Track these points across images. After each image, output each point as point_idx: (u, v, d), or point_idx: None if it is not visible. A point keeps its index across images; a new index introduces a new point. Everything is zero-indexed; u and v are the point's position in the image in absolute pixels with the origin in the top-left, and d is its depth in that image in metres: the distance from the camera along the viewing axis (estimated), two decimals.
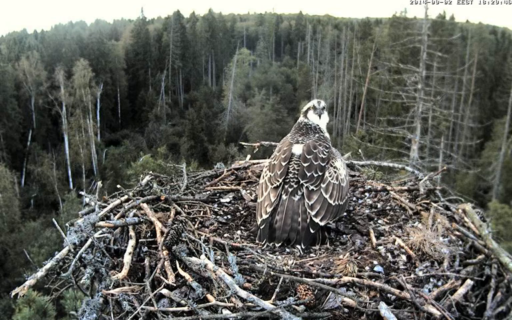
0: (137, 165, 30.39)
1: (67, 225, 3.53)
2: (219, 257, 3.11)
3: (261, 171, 4.50)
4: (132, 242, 3.29)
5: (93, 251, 3.22)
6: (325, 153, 3.76)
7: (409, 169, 5.34)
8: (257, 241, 3.58)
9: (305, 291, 2.61)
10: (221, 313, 2.54)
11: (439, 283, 2.88)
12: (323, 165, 3.69)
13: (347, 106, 58.61)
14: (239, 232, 3.83)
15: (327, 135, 4.05)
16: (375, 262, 3.09)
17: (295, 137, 3.94)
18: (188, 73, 73.68)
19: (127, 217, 3.58)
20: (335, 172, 3.72)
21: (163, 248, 3.07)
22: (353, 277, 2.83)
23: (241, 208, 4.26)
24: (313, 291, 2.63)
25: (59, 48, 64.02)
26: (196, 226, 3.71)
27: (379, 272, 2.97)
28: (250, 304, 2.54)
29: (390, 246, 3.34)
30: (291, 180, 3.65)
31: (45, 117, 55.16)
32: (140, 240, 3.35)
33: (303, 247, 3.41)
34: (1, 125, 48.40)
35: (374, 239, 3.47)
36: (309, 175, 3.62)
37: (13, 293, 2.84)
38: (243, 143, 6.89)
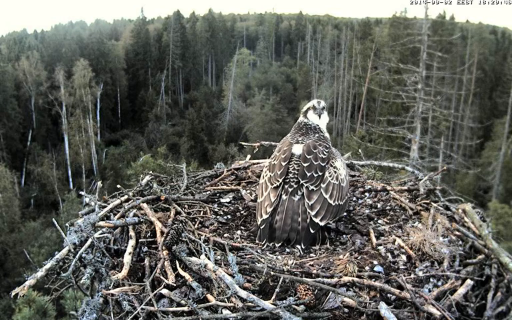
0: (137, 164, 30.39)
1: (67, 225, 3.53)
2: (219, 257, 3.11)
3: (261, 171, 4.50)
4: (132, 242, 3.29)
5: (93, 251, 3.22)
6: (324, 153, 3.76)
7: (408, 169, 5.34)
8: (257, 241, 3.57)
9: (304, 290, 2.61)
10: (221, 312, 2.54)
11: (439, 283, 2.88)
12: (323, 165, 3.69)
13: (347, 106, 58.61)
14: (238, 232, 3.83)
15: (327, 134, 4.05)
16: (375, 262, 3.09)
17: (295, 137, 3.94)
18: (188, 73, 73.69)
19: (127, 216, 3.58)
20: (335, 172, 3.72)
21: (163, 248, 3.07)
22: (353, 276, 2.82)
23: (240, 208, 4.26)
24: (312, 291, 2.63)
25: (59, 48, 64.04)
26: (196, 226, 3.71)
27: (379, 272, 2.97)
28: (250, 304, 2.54)
29: (390, 246, 3.34)
30: (291, 180, 3.65)
31: (45, 116, 55.18)
32: (140, 240, 3.35)
33: (303, 247, 3.41)
34: (1, 125, 48.41)
35: (374, 239, 3.47)
36: (308, 175, 3.62)
37: (13, 293, 2.84)
38: (243, 143, 6.89)
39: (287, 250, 3.45)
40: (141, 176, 4.52)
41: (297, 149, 3.79)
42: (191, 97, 68.08)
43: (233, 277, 2.73)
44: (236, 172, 5.03)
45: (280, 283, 2.65)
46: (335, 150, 4.00)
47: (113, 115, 64.02)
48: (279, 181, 3.66)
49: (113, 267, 3.17)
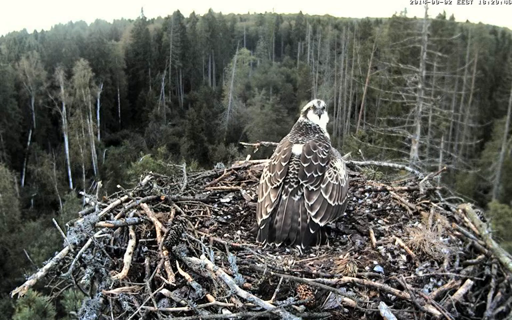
0: (137, 164, 30.39)
1: (67, 224, 3.53)
2: (219, 257, 3.11)
3: (261, 171, 4.51)
4: (132, 242, 3.29)
5: (93, 251, 3.22)
6: (324, 153, 3.76)
7: (408, 169, 5.34)
8: (256, 241, 3.58)
9: (304, 290, 2.61)
10: (221, 312, 2.54)
11: (439, 283, 2.88)
12: (322, 165, 3.69)
13: (347, 106, 58.61)
14: (238, 232, 3.83)
15: (326, 134, 4.05)
16: (375, 262, 3.09)
17: (295, 137, 3.94)
18: (188, 73, 73.69)
19: (127, 217, 3.59)
20: (335, 172, 3.72)
21: (163, 248, 3.07)
22: (353, 276, 2.83)
23: (240, 208, 4.26)
24: (313, 291, 2.63)
25: (59, 48, 64.04)
26: (196, 226, 3.71)
27: (379, 272, 2.97)
28: (250, 304, 2.54)
29: (390, 246, 3.34)
30: (291, 180, 3.65)
31: (45, 116, 55.18)
32: (140, 240, 3.35)
33: (303, 248, 3.41)
34: (1, 124, 48.41)
35: (374, 239, 3.47)
36: (308, 175, 3.62)
37: (13, 293, 2.84)
38: (243, 143, 6.88)
39: (287, 250, 3.45)
40: (141, 176, 4.52)
41: (297, 149, 3.79)
42: (191, 97, 68.09)
43: (233, 277, 2.73)
44: (236, 172, 5.03)
45: (280, 283, 2.65)
46: (334, 150, 4.00)
47: (113, 115, 64.03)
48: (279, 181, 3.67)
49: (113, 267, 3.17)
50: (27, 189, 46.64)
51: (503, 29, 75.11)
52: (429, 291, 2.80)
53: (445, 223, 3.53)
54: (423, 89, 28.51)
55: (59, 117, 53.92)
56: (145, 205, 3.73)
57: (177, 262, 3.00)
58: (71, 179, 49.62)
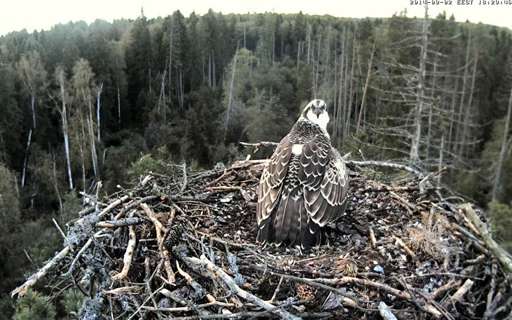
0: (137, 164, 30.38)
1: (67, 225, 3.54)
2: (219, 257, 3.11)
3: (261, 171, 4.51)
4: (132, 242, 3.29)
5: (93, 250, 3.23)
6: (324, 153, 3.76)
7: (408, 169, 5.34)
8: (256, 241, 3.58)
9: (304, 290, 2.61)
10: (221, 312, 2.55)
11: (439, 283, 2.88)
12: (322, 165, 3.69)
13: (347, 106, 58.61)
14: (238, 232, 3.83)
15: (326, 134, 4.04)
16: (375, 262, 3.09)
17: (295, 137, 3.94)
18: (188, 73, 73.68)
19: (127, 217, 3.59)
20: (335, 173, 3.72)
21: (163, 248, 3.07)
22: (353, 276, 2.83)
23: (240, 208, 4.26)
24: (313, 291, 2.63)
25: (59, 48, 64.03)
26: (196, 226, 3.71)
27: (379, 272, 2.97)
28: (250, 304, 2.54)
29: (390, 246, 3.34)
30: (291, 180, 3.65)
31: (45, 116, 55.17)
32: (140, 240, 3.35)
33: (303, 248, 3.41)
34: (1, 124, 48.40)
35: (374, 239, 3.47)
36: (308, 175, 3.62)
37: (13, 293, 2.84)
38: (243, 143, 6.88)
39: (287, 250, 3.45)
40: (141, 176, 4.52)
41: (297, 149, 3.79)
42: (191, 97, 68.08)
43: (233, 277, 2.73)
44: (236, 172, 5.03)
45: (280, 283, 2.65)
46: (334, 150, 4.00)
47: (113, 115, 64.02)
48: (279, 182, 3.67)
49: (113, 267, 3.17)
50: (26, 188, 46.64)
51: (503, 29, 75.19)
52: (429, 290, 2.80)
53: (445, 223, 3.53)
54: (422, 89, 28.51)
55: (58, 116, 53.91)
56: (144, 205, 3.73)
57: (177, 262, 3.00)
58: (70, 179, 49.62)
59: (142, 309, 2.67)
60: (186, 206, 4.08)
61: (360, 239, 3.57)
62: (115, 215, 3.69)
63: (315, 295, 2.62)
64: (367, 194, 4.52)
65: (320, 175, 3.65)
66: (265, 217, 3.58)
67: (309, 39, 77.53)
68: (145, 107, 63.29)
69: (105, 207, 3.77)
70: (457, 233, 3.43)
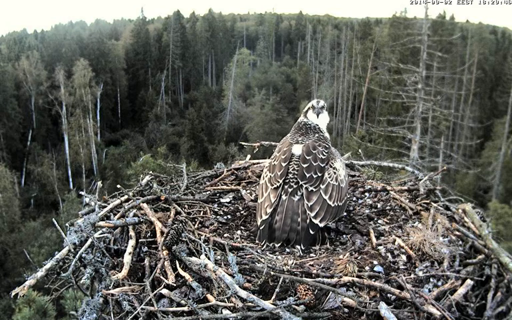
0: (137, 164, 30.37)
1: (67, 225, 3.54)
2: (219, 257, 3.11)
3: (261, 171, 4.51)
4: (132, 242, 3.29)
5: (93, 250, 3.23)
6: (324, 153, 3.76)
7: (408, 169, 5.34)
8: (256, 241, 3.58)
9: (305, 290, 2.61)
10: (221, 312, 2.55)
11: (439, 283, 2.88)
12: (322, 165, 3.69)
13: (347, 106, 58.60)
14: (238, 232, 3.83)
15: (326, 134, 4.04)
16: (375, 262, 3.09)
17: (295, 137, 3.94)
18: (188, 73, 73.68)
19: (127, 217, 3.59)
20: (335, 173, 3.72)
21: (163, 248, 3.07)
22: (353, 276, 2.83)
23: (240, 208, 4.26)
24: (313, 291, 2.63)
25: (59, 48, 64.02)
26: (196, 226, 3.71)
27: (379, 272, 2.97)
28: (250, 304, 2.54)
29: (390, 246, 3.34)
30: (291, 180, 3.65)
31: (45, 116, 55.17)
32: (140, 240, 3.35)
33: (303, 248, 3.41)
34: (1, 124, 48.40)
35: (374, 239, 3.47)
36: (308, 175, 3.62)
37: (13, 293, 2.84)
38: (243, 143, 6.88)
39: (287, 250, 3.45)
40: (141, 176, 4.52)
41: (297, 150, 3.79)
42: (191, 97, 68.08)
43: (233, 277, 2.73)
44: (236, 172, 5.03)
45: (280, 283, 2.65)
46: (334, 150, 4.00)
47: (113, 115, 64.02)
48: (279, 182, 3.67)
49: (113, 267, 3.17)
50: (26, 188, 46.63)
51: (503, 29, 75.18)
52: (429, 290, 2.80)
53: (445, 223, 3.53)
54: (422, 89, 28.51)
55: (58, 116, 53.91)
56: (144, 205, 3.73)
57: (177, 262, 3.00)
58: (70, 179, 49.62)
59: (142, 308, 2.67)
60: (186, 206, 4.08)
61: (360, 239, 3.57)
62: (115, 215, 3.69)
63: (314, 294, 2.62)
64: (367, 194, 4.52)
65: (320, 175, 3.65)
66: (264, 217, 3.58)
67: (309, 39, 77.52)
68: (144, 107, 63.29)
69: (105, 206, 3.77)
70: (457, 232, 3.43)
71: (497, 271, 3.02)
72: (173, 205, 3.88)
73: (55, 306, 14.59)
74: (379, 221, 3.92)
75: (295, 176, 3.65)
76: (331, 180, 3.66)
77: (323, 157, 3.73)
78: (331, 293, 2.64)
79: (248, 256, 3.22)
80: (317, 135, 3.92)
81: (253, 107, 57.16)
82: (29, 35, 73.09)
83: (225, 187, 4.69)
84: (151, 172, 4.60)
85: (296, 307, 2.52)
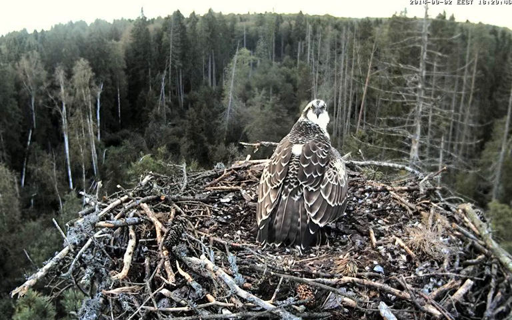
0: (137, 164, 30.37)
1: (67, 225, 3.54)
2: (219, 257, 3.11)
3: (261, 171, 4.51)
4: (132, 242, 3.29)
5: (93, 250, 3.23)
6: (324, 153, 3.76)
7: (409, 169, 5.34)
8: (256, 241, 3.58)
9: (304, 290, 2.61)
10: (221, 312, 2.55)
11: (439, 283, 2.88)
12: (322, 165, 3.69)
13: (347, 106, 58.60)
14: (238, 232, 3.83)
15: (326, 134, 4.04)
16: (375, 262, 3.09)
17: (295, 137, 3.94)
18: (188, 73, 73.68)
19: (127, 217, 3.59)
20: (334, 173, 3.72)
21: (163, 248, 3.07)
22: (353, 276, 2.83)
23: (240, 208, 4.26)
24: (313, 291, 2.63)
25: (59, 48, 64.02)
26: (196, 226, 3.71)
27: (379, 272, 2.97)
28: (250, 304, 2.54)
29: (390, 246, 3.34)
30: (291, 180, 3.65)
31: (45, 116, 55.17)
32: (140, 240, 3.35)
33: (303, 248, 3.41)
34: (1, 124, 48.39)
35: (374, 239, 3.47)
36: (308, 175, 3.62)
37: (13, 293, 2.84)
38: (243, 143, 6.88)
39: (287, 250, 3.45)
40: (141, 176, 4.52)
41: (297, 150, 3.79)
42: (191, 97, 68.08)
43: (233, 277, 2.73)
44: (236, 172, 5.03)
45: (280, 283, 2.65)
46: (334, 150, 4.00)
47: (113, 115, 64.02)
48: (279, 182, 3.67)
49: (113, 267, 3.17)
50: (27, 188, 46.63)
51: (503, 29, 75.18)
52: (429, 291, 2.80)
53: (445, 223, 3.53)
54: (422, 89, 28.51)
55: (58, 116, 53.91)
56: (144, 205, 3.73)
57: (177, 262, 3.00)
58: (70, 179, 49.62)
59: (142, 309, 2.67)
60: (186, 206, 4.08)
61: (360, 239, 3.57)
62: (115, 215, 3.69)
63: (314, 294, 2.62)
64: (367, 194, 4.52)
65: (320, 175, 3.65)
66: (264, 217, 3.58)
67: (309, 39, 77.52)
68: (145, 107, 63.29)
69: (105, 207, 3.77)
70: (457, 232, 3.43)
71: (496, 271, 3.02)
72: (173, 205, 3.88)
73: (54, 306, 14.59)
74: (379, 221, 3.92)
75: (295, 176, 3.65)
76: (331, 180, 3.66)
77: (323, 157, 3.73)
78: (330, 293, 2.64)
79: (248, 256, 3.22)
80: (316, 135, 3.92)
81: (253, 107, 57.17)
82: (29, 34, 73.11)
83: (224, 186, 4.69)
84: (150, 172, 4.60)
85: (296, 307, 2.52)
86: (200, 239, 3.31)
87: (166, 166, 5.64)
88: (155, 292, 2.78)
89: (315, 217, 3.49)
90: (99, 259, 3.19)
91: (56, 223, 3.60)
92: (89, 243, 3.23)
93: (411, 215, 3.93)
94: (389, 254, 3.24)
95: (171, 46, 68.99)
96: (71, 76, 54.04)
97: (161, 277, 2.89)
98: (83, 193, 4.21)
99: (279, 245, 3.47)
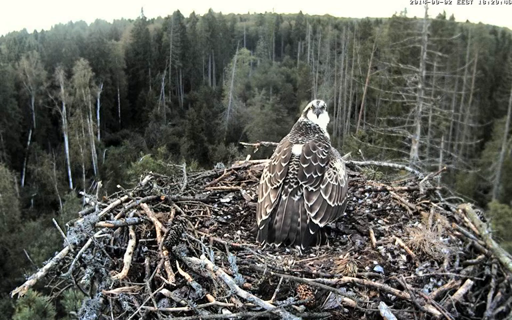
0: (137, 164, 30.37)
1: (67, 225, 3.53)
2: (219, 257, 3.11)
3: (261, 171, 4.51)
4: (132, 242, 3.29)
5: (93, 250, 3.23)
6: (324, 153, 3.76)
7: (409, 168, 5.34)
8: (256, 241, 3.58)
9: (305, 290, 2.61)
10: (221, 312, 2.54)
11: (439, 283, 2.88)
12: (322, 165, 3.69)
13: (347, 106, 58.60)
14: (238, 232, 3.83)
15: (326, 134, 4.04)
16: (375, 262, 3.09)
17: (295, 137, 3.94)
18: (188, 73, 73.69)
19: (127, 217, 3.59)
20: (334, 173, 3.72)
21: (163, 248, 3.07)
22: (353, 276, 2.83)
23: (240, 208, 4.26)
24: (313, 291, 2.63)
25: (59, 48, 64.03)
26: (196, 226, 3.71)
27: (379, 272, 2.97)
28: (250, 304, 2.54)
29: (390, 246, 3.34)
30: (291, 180, 3.65)
31: (45, 116, 55.17)
32: (140, 240, 3.35)
33: (303, 248, 3.41)
34: (1, 124, 48.40)
35: (374, 239, 3.47)
36: (308, 175, 3.62)
37: (13, 293, 2.84)
38: (243, 143, 6.88)
39: (287, 250, 3.45)
40: (141, 176, 4.52)
41: (297, 150, 3.79)
42: (191, 97, 68.09)
43: (233, 277, 2.72)
44: (236, 172, 5.03)
45: (280, 283, 2.65)
46: (334, 150, 4.00)
47: (113, 115, 64.02)
48: (279, 182, 3.66)
49: (113, 267, 3.17)
50: (27, 188, 46.63)
51: (503, 29, 75.18)
52: (429, 291, 2.80)
53: (445, 223, 3.53)
54: (422, 89, 28.51)
55: (58, 116, 53.91)
56: (144, 205, 3.73)
57: (177, 262, 3.00)
58: (70, 179, 49.62)
59: (142, 309, 2.67)
60: (186, 206, 4.08)
61: (360, 239, 3.57)
62: (115, 215, 3.69)
63: (314, 294, 2.62)
64: (367, 194, 4.52)
65: (320, 175, 3.65)
66: (264, 217, 3.58)
67: (309, 39, 77.53)
68: (145, 107, 63.30)
69: (105, 207, 3.77)
70: (457, 232, 3.43)
71: (496, 271, 3.02)
72: (173, 205, 3.88)
73: (54, 306, 14.60)
74: (379, 221, 3.92)
75: (295, 176, 3.65)
76: (331, 180, 3.66)
77: (323, 157, 3.73)
78: (331, 293, 2.64)
79: (248, 256, 3.22)
80: (316, 135, 3.92)
81: (253, 107, 57.17)
82: (29, 34, 73.12)
83: (224, 186, 4.69)
84: (150, 172, 4.60)
85: (296, 307, 2.52)
86: (200, 239, 3.31)
87: (166, 166, 5.64)
88: (155, 292, 2.78)
89: (315, 217, 3.49)
90: (99, 259, 3.19)
91: (56, 222, 3.59)
92: (88, 242, 3.23)
93: (411, 215, 3.93)
94: (388, 254, 3.24)
95: (171, 46, 68.99)
96: (71, 76, 54.05)
97: (161, 277, 2.89)
98: (83, 193, 4.21)
99: (279, 245, 3.47)
